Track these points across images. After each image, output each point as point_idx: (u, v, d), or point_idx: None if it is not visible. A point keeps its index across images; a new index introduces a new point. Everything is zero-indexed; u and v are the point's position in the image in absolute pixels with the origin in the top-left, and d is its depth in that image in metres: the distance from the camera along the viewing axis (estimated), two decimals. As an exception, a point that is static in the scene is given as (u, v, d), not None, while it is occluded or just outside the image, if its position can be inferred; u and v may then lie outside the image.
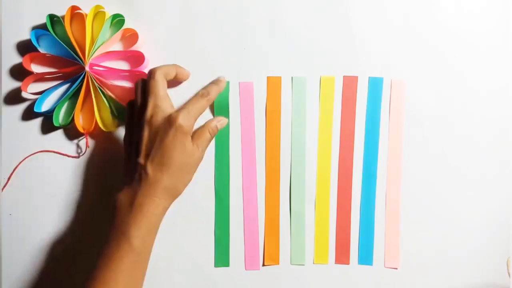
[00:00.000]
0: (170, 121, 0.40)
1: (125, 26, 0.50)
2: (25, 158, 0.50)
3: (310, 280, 0.48)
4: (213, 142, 0.49)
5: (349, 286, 0.48)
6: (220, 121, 0.46)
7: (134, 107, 0.44)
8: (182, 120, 0.40)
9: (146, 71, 0.50)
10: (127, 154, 0.44)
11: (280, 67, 0.50)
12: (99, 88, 0.49)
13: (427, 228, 0.47)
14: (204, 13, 0.51)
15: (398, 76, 0.49)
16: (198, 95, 0.44)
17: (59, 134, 0.51)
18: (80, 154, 0.50)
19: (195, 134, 0.43)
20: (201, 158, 0.43)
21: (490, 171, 0.49)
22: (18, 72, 0.51)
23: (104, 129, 0.49)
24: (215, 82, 0.47)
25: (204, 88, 0.46)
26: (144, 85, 0.44)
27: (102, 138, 0.50)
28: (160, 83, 0.42)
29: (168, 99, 0.43)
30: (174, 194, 0.41)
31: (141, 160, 0.40)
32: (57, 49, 0.51)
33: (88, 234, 0.50)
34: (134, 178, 0.41)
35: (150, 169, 0.40)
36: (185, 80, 0.48)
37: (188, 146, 0.41)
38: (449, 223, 0.47)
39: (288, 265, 0.48)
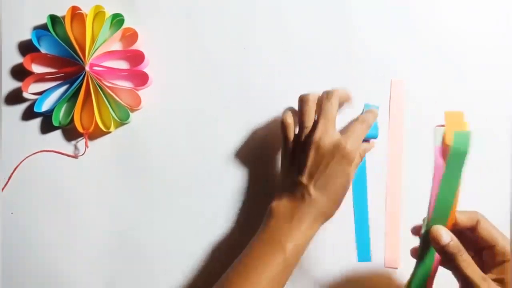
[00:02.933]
0: (338, 147, 0.40)
1: (124, 25, 0.50)
2: (25, 158, 0.50)
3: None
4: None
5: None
6: (371, 146, 0.46)
7: (299, 123, 0.43)
8: (350, 147, 0.40)
9: (146, 70, 0.50)
10: (284, 167, 0.44)
11: (280, 67, 0.50)
12: (99, 88, 0.49)
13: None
14: (204, 13, 0.51)
15: (398, 76, 0.49)
16: (358, 121, 0.43)
17: (59, 134, 0.51)
18: (80, 155, 0.50)
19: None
20: (352, 181, 0.43)
21: (490, 171, 0.48)
22: (19, 72, 0.51)
23: (104, 129, 0.49)
24: (369, 111, 0.45)
25: (362, 114, 0.45)
26: (315, 103, 0.43)
27: (101, 138, 0.50)
28: (335, 107, 0.42)
29: (335, 124, 0.42)
30: (328, 217, 0.41)
31: (305, 180, 0.40)
32: (57, 49, 0.51)
33: (88, 234, 0.49)
34: (295, 194, 0.41)
35: (312, 191, 0.40)
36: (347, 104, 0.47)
37: (350, 173, 0.41)
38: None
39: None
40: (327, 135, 0.40)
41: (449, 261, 0.34)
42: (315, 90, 0.49)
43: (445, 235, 0.34)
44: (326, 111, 0.42)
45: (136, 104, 0.49)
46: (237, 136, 0.50)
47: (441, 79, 0.49)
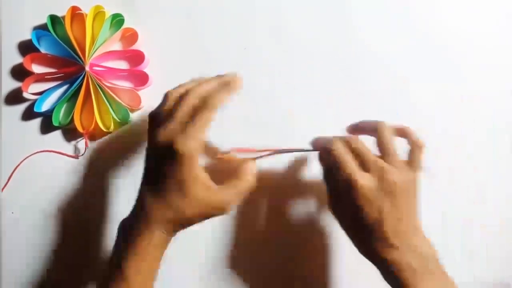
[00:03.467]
0: (168, 146, 0.35)
1: (124, 25, 0.50)
2: (25, 158, 0.50)
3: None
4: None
5: (350, 286, 0.47)
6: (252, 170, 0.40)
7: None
8: (181, 144, 0.34)
9: (146, 70, 0.50)
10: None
11: (280, 67, 0.50)
12: (99, 88, 0.49)
13: (427, 228, 0.47)
14: (204, 13, 0.51)
15: (398, 76, 0.49)
16: (201, 109, 0.36)
17: (59, 134, 0.51)
18: (80, 155, 0.50)
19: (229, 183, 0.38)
20: (224, 208, 0.37)
21: (490, 170, 0.48)
22: (19, 72, 0.51)
23: (104, 129, 0.49)
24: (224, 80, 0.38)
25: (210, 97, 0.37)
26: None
27: (101, 138, 0.50)
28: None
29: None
30: (174, 228, 0.37)
31: (142, 187, 0.38)
32: (57, 49, 0.51)
33: (88, 233, 0.49)
34: (137, 204, 0.38)
35: (148, 200, 0.37)
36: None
37: (187, 175, 0.35)
38: (449, 223, 0.47)
39: None
40: (162, 132, 0.35)
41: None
42: (315, 90, 0.50)
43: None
44: (176, 108, 0.36)
45: (136, 104, 0.49)
46: (237, 136, 0.49)
47: (441, 79, 0.49)
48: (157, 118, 0.37)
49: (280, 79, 0.50)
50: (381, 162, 0.37)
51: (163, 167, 0.36)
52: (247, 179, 0.38)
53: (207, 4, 0.51)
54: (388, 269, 0.36)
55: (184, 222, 0.37)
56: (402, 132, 0.40)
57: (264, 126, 0.49)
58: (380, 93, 0.49)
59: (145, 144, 0.50)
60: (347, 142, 0.39)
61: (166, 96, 0.38)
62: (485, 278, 0.47)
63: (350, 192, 0.36)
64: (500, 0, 0.50)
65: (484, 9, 0.50)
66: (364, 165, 0.37)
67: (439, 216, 0.48)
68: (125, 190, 0.50)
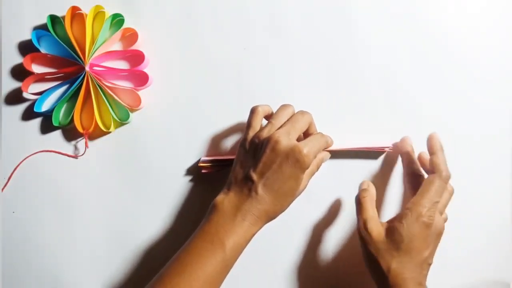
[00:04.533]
0: (294, 151, 0.40)
1: (124, 25, 0.50)
2: (25, 158, 0.50)
3: None
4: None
5: (349, 286, 0.47)
6: (327, 155, 0.46)
7: (268, 119, 0.44)
8: (306, 154, 0.40)
9: (146, 70, 0.50)
10: (240, 160, 0.42)
11: (280, 67, 0.50)
12: (99, 88, 0.49)
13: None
14: (204, 13, 0.51)
15: (398, 75, 0.49)
16: (319, 134, 0.44)
17: (59, 134, 0.51)
18: (80, 155, 0.50)
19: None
20: (304, 189, 0.42)
21: (491, 170, 0.48)
22: (19, 72, 0.51)
23: (104, 129, 0.49)
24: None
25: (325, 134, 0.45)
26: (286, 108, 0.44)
27: (101, 138, 0.50)
28: (305, 121, 0.43)
29: (298, 134, 0.42)
30: (271, 217, 0.41)
31: (255, 177, 0.40)
32: (57, 49, 0.51)
33: (88, 234, 0.49)
34: (242, 188, 0.41)
35: (261, 189, 0.40)
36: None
37: (301, 179, 0.41)
38: (449, 223, 0.47)
39: None
40: (287, 137, 0.40)
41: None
42: (315, 90, 0.50)
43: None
44: (295, 119, 0.43)
45: (136, 104, 0.49)
46: (237, 136, 0.50)
47: (441, 79, 0.49)
48: (277, 121, 0.43)
49: (280, 79, 0.50)
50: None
51: (284, 167, 0.40)
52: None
53: (207, 4, 0.51)
54: None
55: (277, 216, 0.42)
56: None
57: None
58: (380, 93, 0.49)
59: (145, 144, 0.50)
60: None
61: (283, 107, 0.45)
62: (485, 278, 0.47)
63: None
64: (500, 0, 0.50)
65: (484, 8, 0.50)
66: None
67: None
68: (125, 190, 0.50)
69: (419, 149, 0.48)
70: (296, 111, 0.44)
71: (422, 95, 0.49)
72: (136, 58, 0.50)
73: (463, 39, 0.50)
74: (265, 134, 0.41)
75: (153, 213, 0.49)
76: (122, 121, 0.49)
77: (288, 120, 0.43)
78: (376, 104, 0.49)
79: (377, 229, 0.40)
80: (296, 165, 0.40)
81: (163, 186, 0.49)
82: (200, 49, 0.51)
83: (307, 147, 0.40)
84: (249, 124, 0.44)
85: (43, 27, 0.51)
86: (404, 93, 0.49)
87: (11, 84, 0.51)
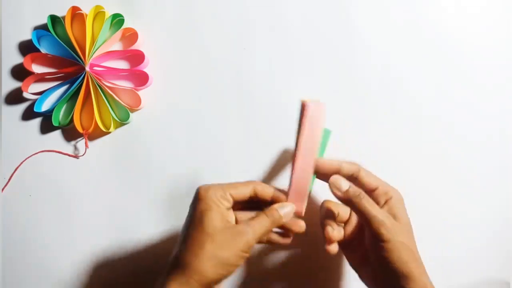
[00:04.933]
0: (195, 194, 0.36)
1: (124, 25, 0.50)
2: (26, 159, 0.50)
3: None
4: None
5: (350, 285, 0.47)
6: (285, 209, 0.37)
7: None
8: (203, 189, 0.35)
9: (146, 70, 0.50)
10: None
11: (280, 67, 0.50)
12: (99, 88, 0.49)
13: (428, 228, 0.47)
14: (204, 13, 0.51)
15: (397, 75, 0.49)
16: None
17: (59, 134, 0.51)
18: (80, 155, 0.50)
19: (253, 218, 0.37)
20: (249, 244, 0.35)
21: (490, 170, 0.48)
22: (19, 72, 0.51)
23: (104, 129, 0.49)
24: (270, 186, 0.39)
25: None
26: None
27: (101, 138, 0.50)
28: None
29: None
30: (200, 279, 0.33)
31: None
32: (57, 50, 0.51)
33: (88, 233, 0.49)
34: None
35: (179, 251, 0.35)
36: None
37: (213, 217, 0.34)
38: (449, 222, 0.47)
39: None
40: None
41: (353, 205, 0.36)
42: (315, 90, 0.50)
43: (344, 183, 0.36)
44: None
45: (136, 104, 0.49)
46: (237, 136, 0.50)
47: (441, 79, 0.49)
48: None
49: (280, 79, 0.50)
50: None
51: (189, 216, 0.36)
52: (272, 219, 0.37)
53: (207, 4, 0.51)
54: None
55: (211, 278, 0.34)
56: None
57: (264, 126, 0.49)
58: (380, 93, 0.49)
59: (145, 144, 0.50)
60: None
61: None
62: (485, 278, 0.47)
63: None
64: (500, 0, 0.50)
65: (484, 8, 0.50)
66: None
67: (439, 216, 0.47)
68: (125, 190, 0.50)
69: (419, 150, 0.48)
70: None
71: (422, 95, 0.49)
72: (136, 58, 0.50)
73: (463, 39, 0.50)
74: None
75: (153, 213, 0.49)
76: (122, 121, 0.49)
77: None
78: (376, 104, 0.49)
79: None
80: (194, 206, 0.35)
81: (163, 186, 0.49)
82: (200, 49, 0.51)
83: (205, 185, 0.36)
84: None
85: (43, 27, 0.51)
86: (404, 93, 0.49)
87: (11, 84, 0.51)
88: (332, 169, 0.38)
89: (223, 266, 0.34)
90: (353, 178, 0.38)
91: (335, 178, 0.37)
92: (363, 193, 0.36)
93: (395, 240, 0.35)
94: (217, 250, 0.33)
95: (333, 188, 0.37)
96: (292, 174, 0.37)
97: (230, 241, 0.34)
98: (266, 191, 0.38)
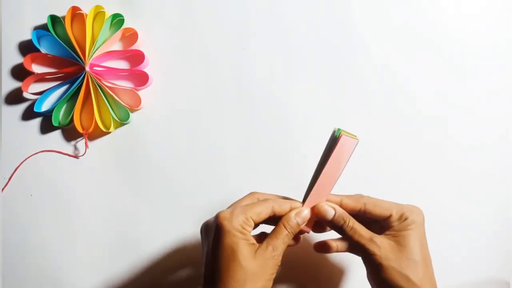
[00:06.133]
0: (215, 221, 0.34)
1: (124, 25, 0.50)
2: (26, 159, 0.50)
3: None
4: None
5: (350, 285, 0.47)
6: (300, 213, 0.37)
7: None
8: (222, 217, 0.34)
9: (146, 70, 0.50)
10: None
11: (280, 67, 0.50)
12: (99, 88, 0.49)
13: (428, 228, 0.47)
14: (204, 13, 0.51)
15: (397, 76, 0.49)
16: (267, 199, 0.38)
17: (59, 134, 0.51)
18: (80, 155, 0.50)
19: (269, 234, 0.36)
20: (277, 264, 0.35)
21: (491, 170, 0.48)
22: (19, 72, 0.51)
23: (104, 129, 0.49)
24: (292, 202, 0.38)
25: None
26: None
27: (101, 138, 0.50)
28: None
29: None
30: None
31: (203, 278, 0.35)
32: (57, 50, 0.51)
33: (88, 233, 0.49)
34: None
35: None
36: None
37: (244, 250, 0.33)
38: (449, 222, 0.47)
39: None
40: (219, 216, 0.35)
41: (339, 231, 0.37)
42: (315, 90, 0.50)
43: (329, 210, 0.36)
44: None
45: (136, 104, 0.49)
46: (237, 136, 0.50)
47: (440, 79, 0.49)
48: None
49: (280, 79, 0.50)
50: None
51: (210, 245, 0.35)
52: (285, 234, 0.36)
53: (207, 4, 0.51)
54: None
55: None
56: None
57: (264, 126, 0.49)
58: (380, 93, 0.49)
59: (145, 144, 0.50)
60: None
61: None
62: (485, 278, 0.47)
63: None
64: (500, 0, 0.50)
65: (484, 8, 0.50)
66: None
67: (439, 215, 0.48)
68: (125, 190, 0.50)
69: (419, 150, 0.48)
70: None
71: (422, 95, 0.49)
72: (136, 58, 0.50)
73: (463, 39, 0.50)
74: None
75: (153, 213, 0.49)
76: (122, 121, 0.49)
77: None
78: (376, 104, 0.49)
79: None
80: (219, 235, 0.34)
81: (162, 186, 0.49)
82: (200, 49, 0.51)
83: (225, 210, 0.35)
84: None
85: (43, 27, 0.51)
86: (404, 93, 0.49)
87: (11, 84, 0.51)
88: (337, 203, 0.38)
89: None
90: (361, 212, 0.37)
91: (320, 205, 0.37)
92: (348, 219, 0.36)
93: (386, 264, 0.35)
94: (254, 284, 0.33)
95: (320, 217, 0.37)
96: (311, 188, 0.37)
97: (262, 270, 0.34)
98: (284, 209, 0.37)
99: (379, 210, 0.37)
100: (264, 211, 0.36)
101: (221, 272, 0.33)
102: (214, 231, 0.34)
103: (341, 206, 0.37)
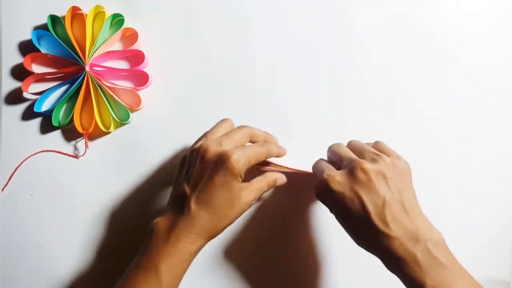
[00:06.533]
0: (222, 158, 0.37)
1: (124, 25, 0.50)
2: (26, 159, 0.50)
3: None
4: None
5: (351, 285, 0.47)
6: (282, 178, 0.43)
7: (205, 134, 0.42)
8: (235, 161, 0.37)
9: (146, 70, 0.50)
10: (178, 176, 0.41)
11: (280, 67, 0.50)
12: (99, 88, 0.49)
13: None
14: (204, 13, 0.51)
15: (397, 76, 0.49)
16: (258, 143, 0.42)
17: (59, 134, 0.51)
18: (80, 155, 0.50)
19: (253, 180, 0.40)
20: (249, 205, 0.39)
21: (490, 170, 0.48)
22: (19, 72, 0.51)
23: (104, 129, 0.49)
24: (278, 145, 0.44)
25: (267, 141, 0.44)
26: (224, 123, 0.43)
27: (101, 138, 0.50)
28: (242, 134, 0.41)
29: (232, 145, 0.40)
30: (211, 234, 0.38)
31: (187, 190, 0.38)
32: (57, 50, 0.51)
33: (88, 234, 0.49)
34: (176, 206, 0.38)
35: (194, 204, 0.37)
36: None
37: (235, 188, 0.38)
38: (449, 222, 0.47)
39: None
40: (216, 144, 0.39)
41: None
42: (315, 90, 0.50)
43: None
44: (231, 131, 0.41)
45: (136, 104, 0.49)
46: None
47: (440, 78, 0.49)
48: (212, 134, 0.41)
49: (280, 79, 0.50)
50: (370, 150, 0.39)
51: (214, 177, 0.38)
52: (269, 179, 0.41)
53: (207, 4, 0.51)
54: (390, 263, 0.36)
55: (220, 232, 0.39)
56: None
57: (264, 126, 0.49)
58: (380, 93, 0.49)
59: (145, 144, 0.50)
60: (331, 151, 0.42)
61: (221, 121, 0.43)
62: (485, 278, 0.47)
63: (326, 192, 0.38)
64: (500, 0, 0.50)
65: (484, 8, 0.50)
66: (362, 155, 0.39)
67: (439, 215, 0.47)
68: (125, 190, 0.50)
69: (419, 150, 0.48)
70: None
71: (422, 95, 0.49)
72: (136, 58, 0.50)
73: (463, 39, 0.50)
74: (196, 146, 0.40)
75: (152, 213, 0.49)
76: (122, 121, 0.49)
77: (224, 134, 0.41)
78: (376, 104, 0.49)
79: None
80: (226, 173, 0.37)
81: (163, 186, 0.49)
82: (200, 49, 0.51)
83: (236, 154, 0.38)
84: (203, 135, 0.42)
85: (43, 27, 0.51)
86: (404, 93, 0.49)
87: (11, 84, 0.51)
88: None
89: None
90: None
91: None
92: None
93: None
94: (237, 214, 0.39)
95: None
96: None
97: (239, 208, 0.39)
98: (281, 153, 0.44)
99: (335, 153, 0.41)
100: (262, 157, 0.41)
101: (220, 206, 0.38)
102: (219, 165, 0.37)
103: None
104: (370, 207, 0.35)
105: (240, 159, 0.38)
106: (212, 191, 0.37)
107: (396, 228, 0.35)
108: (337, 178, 0.37)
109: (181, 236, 0.37)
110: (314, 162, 0.43)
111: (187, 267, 0.38)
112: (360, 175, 0.36)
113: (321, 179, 0.38)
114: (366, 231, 0.36)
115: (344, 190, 0.36)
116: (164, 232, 0.38)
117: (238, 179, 0.38)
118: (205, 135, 0.42)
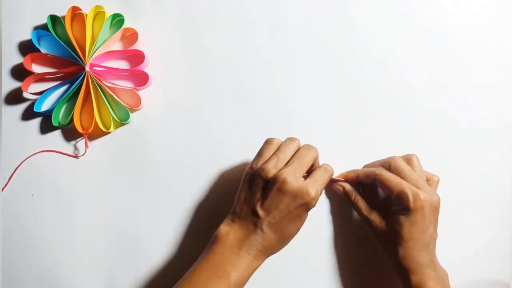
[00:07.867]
0: (302, 193, 0.39)
1: (124, 25, 0.50)
2: (26, 159, 0.50)
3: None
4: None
5: (352, 286, 0.47)
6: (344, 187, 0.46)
7: (273, 149, 0.43)
8: (314, 197, 0.40)
9: (146, 70, 0.50)
10: (245, 191, 0.42)
11: (280, 67, 0.50)
12: (99, 88, 0.49)
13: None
14: (204, 13, 0.51)
15: (397, 76, 0.49)
16: (322, 169, 0.43)
17: (59, 134, 0.51)
18: (80, 155, 0.50)
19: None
20: None
21: (490, 170, 0.48)
22: (19, 72, 0.51)
23: (103, 129, 0.49)
24: (329, 165, 0.45)
25: (326, 164, 0.45)
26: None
27: (101, 138, 0.50)
28: (312, 155, 0.42)
29: (305, 170, 0.42)
30: (273, 253, 0.42)
31: (261, 213, 0.40)
32: (57, 49, 0.51)
33: (88, 234, 0.49)
34: (248, 223, 0.40)
35: (266, 227, 0.40)
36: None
37: (305, 217, 0.41)
38: (449, 222, 0.47)
39: None
40: (295, 177, 0.40)
41: (351, 204, 0.46)
42: (315, 90, 0.50)
43: (339, 188, 0.46)
44: (302, 155, 0.42)
45: (136, 104, 0.49)
46: (237, 136, 0.50)
47: (440, 78, 0.49)
48: (283, 153, 0.42)
49: (280, 79, 0.50)
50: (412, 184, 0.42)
51: (291, 209, 0.40)
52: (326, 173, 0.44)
53: (207, 4, 0.51)
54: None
55: (277, 252, 0.42)
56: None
57: (264, 126, 0.49)
58: (381, 92, 0.49)
59: (145, 144, 0.50)
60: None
61: (289, 141, 0.43)
62: (485, 278, 0.47)
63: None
64: (500, 0, 0.50)
65: (484, 8, 0.50)
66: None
67: (440, 215, 0.47)
68: (125, 190, 0.50)
69: (419, 150, 0.48)
70: (301, 145, 0.43)
71: (422, 95, 0.49)
72: (136, 58, 0.50)
73: (463, 39, 0.50)
74: (272, 170, 0.41)
75: (152, 213, 0.49)
76: (122, 121, 0.49)
77: (294, 155, 0.42)
78: (376, 103, 0.49)
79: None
80: (303, 207, 0.40)
81: (162, 186, 0.49)
82: (200, 49, 0.51)
83: (314, 189, 0.40)
84: (260, 154, 0.43)
85: (43, 27, 0.51)
86: (404, 93, 0.49)
87: (11, 84, 0.51)
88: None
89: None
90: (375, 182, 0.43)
91: (333, 185, 0.46)
92: (353, 194, 0.45)
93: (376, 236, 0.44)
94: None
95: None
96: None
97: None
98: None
99: (387, 185, 0.42)
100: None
101: (288, 228, 0.41)
102: (298, 200, 0.40)
103: (357, 177, 0.45)
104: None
105: (317, 195, 0.40)
106: (286, 220, 0.40)
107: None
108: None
109: (251, 251, 0.40)
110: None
111: (246, 282, 0.40)
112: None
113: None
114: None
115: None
116: (235, 243, 0.40)
117: (309, 210, 0.41)
118: (275, 155, 0.42)
